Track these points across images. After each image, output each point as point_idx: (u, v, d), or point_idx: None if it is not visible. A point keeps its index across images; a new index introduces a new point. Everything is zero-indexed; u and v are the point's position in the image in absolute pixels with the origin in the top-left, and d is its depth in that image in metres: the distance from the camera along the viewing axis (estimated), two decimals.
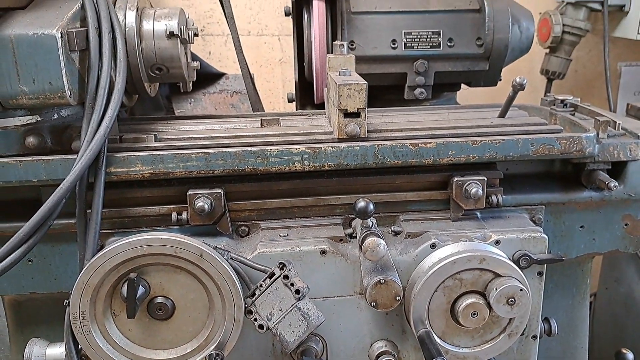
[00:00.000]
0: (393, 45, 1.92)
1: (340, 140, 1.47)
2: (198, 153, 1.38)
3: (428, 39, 1.93)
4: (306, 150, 1.41)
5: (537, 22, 3.25)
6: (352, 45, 1.92)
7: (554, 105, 1.78)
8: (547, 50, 3.22)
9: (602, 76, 3.12)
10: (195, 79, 1.77)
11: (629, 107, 2.86)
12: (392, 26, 1.93)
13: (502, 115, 1.68)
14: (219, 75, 2.98)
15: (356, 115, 1.45)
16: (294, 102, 2.07)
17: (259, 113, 1.82)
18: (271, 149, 1.40)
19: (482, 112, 1.79)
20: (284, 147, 1.41)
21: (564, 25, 3.06)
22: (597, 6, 3.00)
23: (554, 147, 1.46)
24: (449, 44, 1.93)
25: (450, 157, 1.45)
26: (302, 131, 1.56)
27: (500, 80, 2.06)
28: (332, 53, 1.65)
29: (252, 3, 3.19)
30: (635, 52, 3.40)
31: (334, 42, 1.65)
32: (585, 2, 2.99)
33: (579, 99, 1.84)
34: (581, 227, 1.62)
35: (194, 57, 2.91)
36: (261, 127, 1.67)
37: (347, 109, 1.43)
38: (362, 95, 1.43)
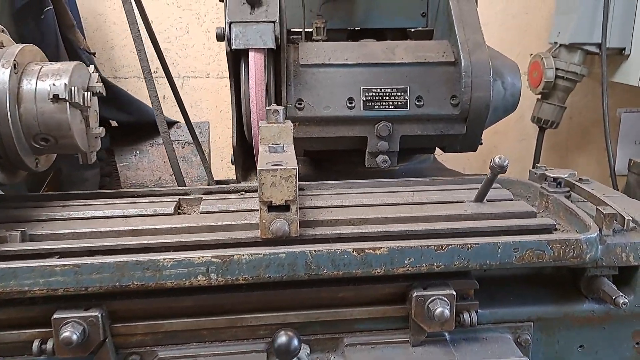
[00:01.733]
0: (350, 105, 1.59)
1: (265, 241, 1.12)
2: (65, 266, 1.02)
3: (392, 97, 1.59)
4: (213, 259, 1.05)
5: (528, 64, 2.94)
6: (300, 104, 1.58)
7: (546, 182, 1.43)
8: (539, 97, 2.90)
9: (600, 123, 2.79)
10: (99, 147, 1.42)
11: (631, 163, 2.52)
12: (349, 81, 1.59)
13: (480, 199, 1.33)
14: (169, 124, 2.64)
15: (284, 209, 1.10)
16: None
17: (181, 189, 1.47)
18: (165, 260, 1.04)
19: (457, 190, 1.45)
20: (184, 255, 1.05)
21: (557, 69, 2.75)
22: (594, 49, 2.69)
23: (544, 253, 1.11)
24: (417, 103, 1.59)
25: (407, 267, 1.09)
26: (220, 222, 1.21)
27: (482, 144, 1.72)
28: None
29: (211, 43, 2.87)
30: (636, 98, 3.09)
31: (267, 107, 1.31)
32: (581, 45, 2.68)
33: (575, 173, 1.50)
34: (580, 347, 1.26)
35: (131, 102, 2.60)
36: (174, 213, 1.32)
37: (271, 201, 1.09)
38: (292, 184, 1.08)
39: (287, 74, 1.58)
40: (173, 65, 2.88)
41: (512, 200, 1.39)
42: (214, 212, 1.31)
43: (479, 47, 1.60)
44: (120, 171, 2.52)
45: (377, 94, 1.59)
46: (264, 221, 1.11)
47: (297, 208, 1.11)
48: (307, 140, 1.64)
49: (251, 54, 1.48)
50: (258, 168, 1.08)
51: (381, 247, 1.09)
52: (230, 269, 1.06)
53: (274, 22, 1.48)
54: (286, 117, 1.55)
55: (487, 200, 1.35)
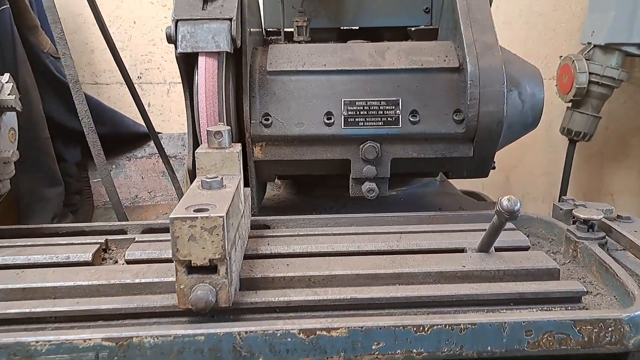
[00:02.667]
0: (328, 121, 1.29)
1: (184, 313, 0.83)
2: None
3: (381, 112, 1.29)
4: (104, 343, 0.77)
5: (556, 68, 2.58)
6: (267, 119, 1.28)
7: (574, 223, 1.11)
8: (569, 105, 2.54)
9: None
10: (10, 174, 1.16)
11: None
12: (327, 92, 1.29)
13: (485, 248, 1.02)
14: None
15: (209, 270, 0.82)
16: None
17: (118, 225, 1.19)
18: (39, 343, 0.76)
19: (459, 231, 1.13)
20: (64, 337, 0.77)
21: (590, 73, 2.39)
22: (634, 50, 2.32)
23: (569, 337, 0.80)
24: (411, 118, 1.28)
25: (375, 354, 0.79)
26: (139, 278, 0.93)
27: (494, 168, 1.40)
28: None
29: None
30: None
31: (208, 128, 1.02)
32: (619, 45, 2.32)
33: (613, 210, 1.18)
34: None
35: (104, 111, 2.32)
36: (93, 260, 1.05)
37: (190, 261, 0.80)
38: (218, 238, 0.79)
39: (251, 83, 1.29)
40: (158, 70, 2.63)
41: (528, 248, 1.07)
42: (140, 261, 1.03)
43: (490, 49, 1.28)
44: (94, 188, 2.27)
45: (361, 107, 1.29)
46: (182, 287, 0.82)
47: (228, 269, 0.82)
48: (276, 164, 1.35)
49: (201, 60, 1.19)
50: (170, 215, 0.79)
51: (339, 328, 0.79)
52: (128, 356, 0.77)
53: (230, 19, 1.19)
54: (250, 136, 1.27)
55: (495, 249, 1.03)
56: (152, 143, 2.34)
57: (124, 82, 1.67)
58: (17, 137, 1.19)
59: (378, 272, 0.95)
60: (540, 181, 2.96)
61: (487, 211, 1.27)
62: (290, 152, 1.32)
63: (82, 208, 2.19)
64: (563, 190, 2.63)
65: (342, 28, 1.74)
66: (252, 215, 1.34)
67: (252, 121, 1.29)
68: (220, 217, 0.79)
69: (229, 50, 1.18)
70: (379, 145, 1.30)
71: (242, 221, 1.01)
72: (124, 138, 2.29)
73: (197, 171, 1.00)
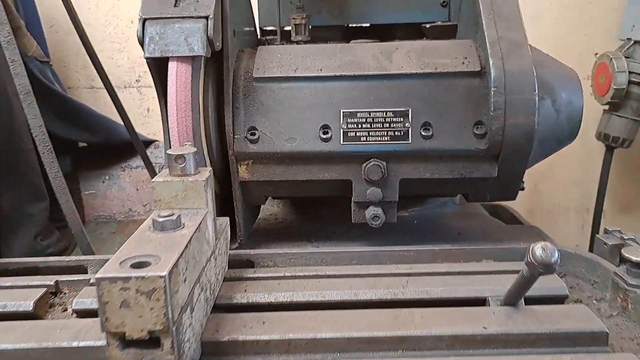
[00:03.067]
0: (324, 136, 1.09)
1: None
2: None
3: (387, 125, 1.09)
4: None
5: (592, 67, 2.34)
6: (254, 134, 1.10)
7: (623, 264, 0.90)
8: (606, 107, 2.30)
9: None
10: None
11: None
12: (324, 102, 1.10)
13: (512, 301, 0.81)
14: (147, 143, 2.22)
15: (151, 344, 0.63)
16: None
17: (76, 260, 1.02)
18: None
19: (481, 273, 0.93)
20: None
21: (630, 72, 2.14)
22: None
23: None
24: (424, 132, 1.08)
25: None
26: (83, 342, 0.76)
27: (523, 189, 1.19)
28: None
29: None
30: None
31: (168, 151, 0.83)
32: None
33: None
34: None
35: (96, 119, 2.13)
36: (35, 309, 0.87)
37: (124, 333, 0.62)
38: (159, 304, 0.61)
39: (235, 92, 1.10)
40: (147, 73, 2.46)
41: (566, 298, 0.87)
42: (89, 313, 0.85)
43: (519, 48, 1.07)
44: (85, 201, 2.11)
45: (364, 119, 1.09)
46: None
47: (175, 342, 0.63)
48: (265, 185, 1.16)
49: (172, 65, 1.01)
50: (97, 275, 0.61)
51: None
52: None
53: (206, 17, 1.01)
54: (234, 154, 1.09)
55: (525, 300, 0.83)
56: (148, 151, 2.18)
57: (122, 86, 1.51)
58: None
59: (375, 334, 0.75)
60: (572, 191, 2.71)
61: (514, 245, 1.06)
62: (281, 171, 1.13)
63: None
64: (599, 202, 2.39)
65: (348, 26, 1.54)
66: (237, 246, 1.16)
67: (235, 136, 1.10)
68: (160, 276, 0.60)
69: (203, 54, 1.00)
70: (384, 163, 1.10)
71: (209, 266, 0.82)
72: (118, 147, 2.13)
73: (154, 204, 0.82)
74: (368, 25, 1.54)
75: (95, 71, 2.49)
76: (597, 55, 2.34)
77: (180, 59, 1.01)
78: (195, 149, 0.84)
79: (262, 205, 1.42)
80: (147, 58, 1.01)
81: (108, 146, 2.12)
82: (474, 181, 1.14)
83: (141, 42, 1.01)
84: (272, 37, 1.45)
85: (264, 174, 1.13)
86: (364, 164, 1.11)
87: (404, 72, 1.10)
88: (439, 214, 1.43)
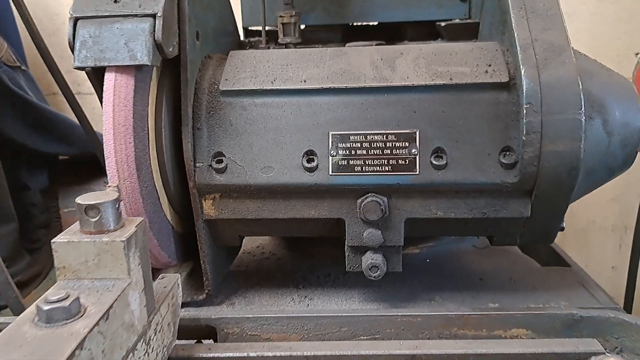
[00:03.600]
0: (308, 164, 0.86)
1: None
2: None
3: (388, 151, 0.85)
4: None
5: (634, 69, 2.06)
6: (220, 162, 0.87)
7: None
8: None
9: None
10: None
11: None
12: (308, 122, 0.87)
13: None
14: None
15: None
16: None
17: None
18: None
19: (506, 354, 0.69)
20: None
21: None
22: None
23: None
24: (435, 161, 0.84)
25: None
26: None
27: (563, 229, 0.94)
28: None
29: None
30: None
31: (77, 200, 0.61)
32: None
33: None
34: None
35: (74, 130, 1.88)
36: None
37: None
38: None
39: (196, 110, 0.88)
40: None
41: None
42: None
43: (559, 53, 0.82)
44: (64, 219, 1.91)
45: (359, 144, 0.86)
46: None
47: None
48: (237, 224, 0.93)
49: (109, 77, 0.79)
50: None
51: None
52: None
53: (153, 15, 0.78)
54: (195, 186, 0.86)
55: None
56: None
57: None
58: None
59: None
60: (609, 207, 2.43)
61: (553, 305, 0.82)
62: (255, 208, 0.90)
63: (48, 245, 1.84)
64: None
65: (351, 25, 1.31)
66: (206, 295, 0.94)
67: (197, 164, 0.87)
68: None
69: (149, 63, 0.77)
70: (385, 199, 0.87)
71: (134, 356, 0.60)
72: (99, 160, 1.92)
73: (57, 273, 0.60)
74: (374, 24, 1.30)
75: (81, 75, 2.28)
76: (638, 56, 2.06)
77: (120, 69, 0.78)
78: (115, 196, 0.61)
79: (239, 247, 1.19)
80: (77, 68, 0.78)
81: (89, 159, 1.91)
82: (499, 222, 0.89)
83: (72, 48, 0.79)
84: (257, 38, 1.22)
85: (234, 211, 0.91)
86: (360, 200, 0.87)
87: (410, 84, 0.86)
88: (457, 251, 1.19)
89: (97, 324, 0.52)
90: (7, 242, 1.67)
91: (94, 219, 0.60)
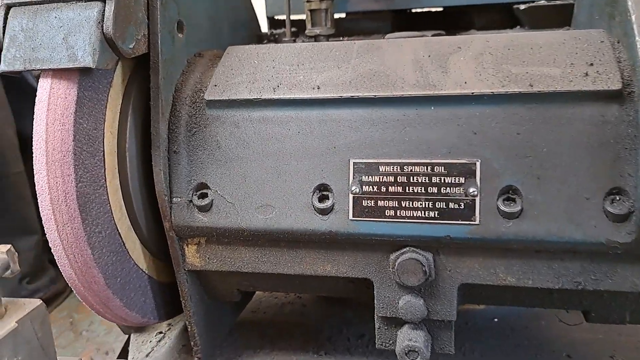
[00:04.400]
0: (321, 204, 0.61)
1: None
2: None
3: (435, 189, 0.59)
4: None
5: None
6: (204, 196, 0.64)
7: None
8: None
9: None
10: None
11: None
12: (321, 145, 0.62)
13: None
14: None
15: None
16: None
17: None
18: None
19: None
20: None
21: None
22: None
23: None
24: (505, 207, 0.57)
25: None
26: None
27: None
28: None
29: None
30: None
31: None
32: None
33: None
34: None
35: None
36: None
37: None
38: None
39: (174, 127, 0.65)
40: None
41: None
42: None
43: None
44: None
45: (392, 178, 0.60)
46: None
47: None
48: (230, 277, 0.71)
49: (43, 84, 0.58)
50: None
51: None
52: None
53: (103, 0, 0.56)
54: (172, 227, 0.64)
55: None
56: None
57: None
58: None
59: None
60: None
61: None
62: (252, 259, 0.67)
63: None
64: None
65: (408, 11, 1.04)
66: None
67: (173, 199, 0.65)
68: None
69: (91, 65, 0.55)
70: (430, 257, 0.61)
71: None
72: None
73: None
74: (433, 10, 1.03)
75: None
76: None
77: (57, 73, 0.57)
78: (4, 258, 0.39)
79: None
80: (3, 73, 0.58)
81: None
82: (601, 295, 0.61)
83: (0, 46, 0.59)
84: (282, 30, 0.98)
85: (225, 262, 0.68)
86: (394, 257, 0.62)
87: (469, 93, 0.59)
88: (534, 312, 0.90)
89: None
90: (28, 257, 1.54)
91: None
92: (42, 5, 0.58)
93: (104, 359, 1.45)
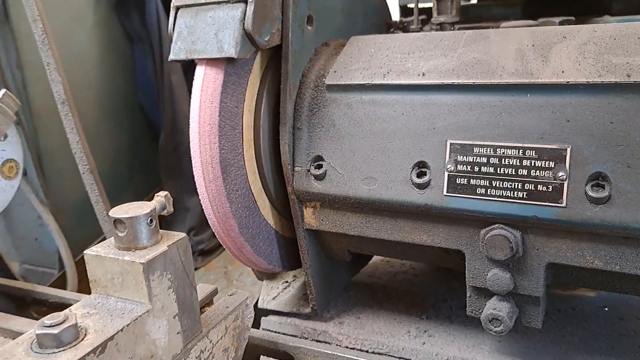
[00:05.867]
0: (418, 179, 0.69)
1: None
2: None
3: (525, 171, 0.63)
4: None
5: None
6: (320, 167, 0.76)
7: None
8: None
9: None
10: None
11: None
12: (422, 126, 0.69)
13: None
14: None
15: None
16: None
17: None
18: None
19: None
20: None
21: None
22: None
23: None
24: (593, 192, 0.60)
25: None
26: None
27: None
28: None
29: None
30: None
31: (110, 212, 0.56)
32: None
33: None
34: None
35: None
36: None
37: None
38: None
39: (297, 107, 0.77)
40: None
41: None
42: None
43: None
44: None
45: (485, 159, 0.65)
46: None
47: None
48: (341, 238, 0.81)
49: (198, 72, 0.73)
50: None
51: None
52: None
53: (245, 1, 0.69)
54: (294, 191, 0.77)
55: None
56: None
57: None
58: (19, 170, 0.93)
59: None
60: None
61: None
62: (358, 223, 0.77)
63: None
64: None
65: None
66: (311, 309, 0.85)
67: (295, 168, 0.77)
68: None
69: (233, 55, 0.69)
70: (518, 235, 0.65)
71: None
72: None
73: (91, 285, 0.56)
74: None
75: None
76: None
77: (210, 62, 0.72)
78: (148, 210, 0.55)
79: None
80: (172, 61, 0.74)
81: None
82: None
83: (171, 38, 0.76)
84: (411, 18, 1.05)
85: (335, 224, 0.79)
86: (483, 232, 0.67)
87: (565, 82, 0.61)
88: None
89: (82, 359, 0.46)
90: (195, 213, 1.82)
91: (122, 234, 0.54)
92: (201, 6, 0.73)
93: None
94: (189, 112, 1.85)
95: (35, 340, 0.48)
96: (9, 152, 0.91)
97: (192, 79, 0.73)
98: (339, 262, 0.91)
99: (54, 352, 0.47)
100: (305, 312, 0.89)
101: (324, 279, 0.88)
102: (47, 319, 0.48)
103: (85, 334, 0.49)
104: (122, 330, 0.50)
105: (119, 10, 1.76)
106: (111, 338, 0.49)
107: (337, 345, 0.83)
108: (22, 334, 0.77)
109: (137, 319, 0.52)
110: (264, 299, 0.96)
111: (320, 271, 0.86)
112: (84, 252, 0.55)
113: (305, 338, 0.85)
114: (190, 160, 1.88)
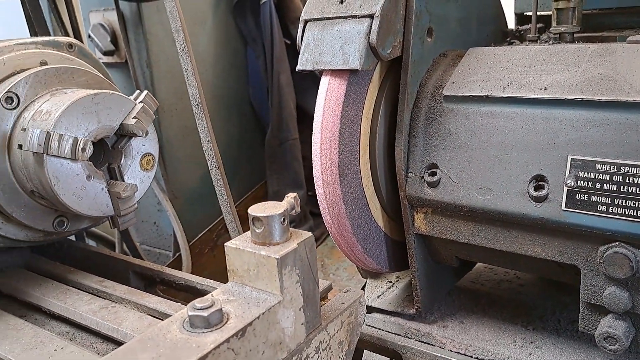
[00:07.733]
0: (536, 193, 0.70)
1: None
2: None
3: None
4: None
5: None
6: (434, 174, 0.78)
7: None
8: None
9: None
10: (132, 207, 1.02)
11: None
12: (542, 141, 0.70)
13: None
14: None
15: None
16: None
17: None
18: None
19: None
20: None
21: None
22: None
23: None
24: None
25: None
26: None
27: None
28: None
29: None
30: None
31: (249, 210, 0.63)
32: None
33: None
34: None
35: None
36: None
37: None
38: None
39: (415, 115, 0.80)
40: None
41: None
42: None
43: None
44: None
45: (608, 177, 0.65)
46: None
47: None
48: (451, 245, 0.83)
49: (323, 82, 0.78)
50: None
51: None
52: None
53: (371, 16, 0.73)
54: (406, 196, 0.81)
55: None
56: None
57: None
58: (155, 163, 1.04)
59: None
60: None
61: None
62: (469, 231, 0.78)
63: None
64: None
65: None
66: (415, 311, 0.88)
67: (409, 174, 0.81)
68: None
69: (357, 67, 0.73)
70: (638, 254, 0.64)
71: None
72: None
73: (229, 274, 0.63)
74: None
75: None
76: None
77: (334, 73, 0.77)
78: (282, 210, 0.61)
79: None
80: (298, 71, 0.80)
81: None
82: None
83: (299, 50, 0.81)
84: (528, 27, 1.04)
85: (446, 231, 0.81)
86: (602, 249, 0.67)
87: None
88: None
89: (227, 340, 0.53)
90: None
91: (259, 230, 0.60)
92: (328, 20, 0.78)
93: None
94: (293, 109, 1.92)
95: (187, 320, 0.55)
96: (148, 147, 1.01)
97: (301, 75, 0.78)
98: (444, 266, 0.93)
99: (203, 332, 0.54)
100: (409, 313, 0.92)
101: (430, 282, 0.91)
102: (198, 302, 0.56)
103: (228, 318, 0.56)
104: (258, 317, 0.56)
105: (235, 13, 1.87)
106: (250, 324, 0.55)
107: (440, 347, 0.85)
108: (155, 310, 0.87)
109: (270, 308, 0.58)
110: (368, 297, 1.00)
111: (426, 274, 0.89)
112: (225, 244, 0.62)
113: (409, 338, 0.88)
114: (294, 156, 1.96)
